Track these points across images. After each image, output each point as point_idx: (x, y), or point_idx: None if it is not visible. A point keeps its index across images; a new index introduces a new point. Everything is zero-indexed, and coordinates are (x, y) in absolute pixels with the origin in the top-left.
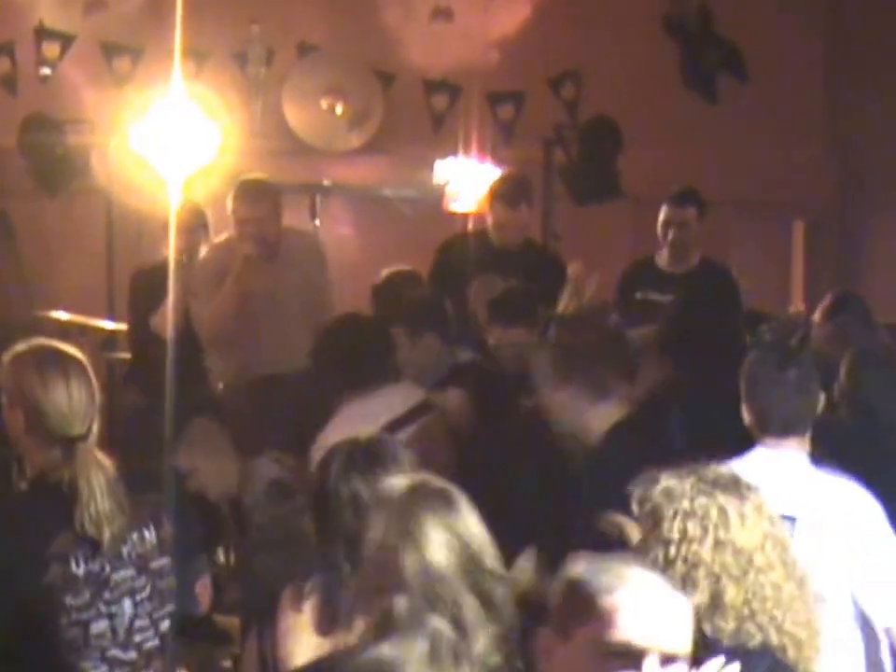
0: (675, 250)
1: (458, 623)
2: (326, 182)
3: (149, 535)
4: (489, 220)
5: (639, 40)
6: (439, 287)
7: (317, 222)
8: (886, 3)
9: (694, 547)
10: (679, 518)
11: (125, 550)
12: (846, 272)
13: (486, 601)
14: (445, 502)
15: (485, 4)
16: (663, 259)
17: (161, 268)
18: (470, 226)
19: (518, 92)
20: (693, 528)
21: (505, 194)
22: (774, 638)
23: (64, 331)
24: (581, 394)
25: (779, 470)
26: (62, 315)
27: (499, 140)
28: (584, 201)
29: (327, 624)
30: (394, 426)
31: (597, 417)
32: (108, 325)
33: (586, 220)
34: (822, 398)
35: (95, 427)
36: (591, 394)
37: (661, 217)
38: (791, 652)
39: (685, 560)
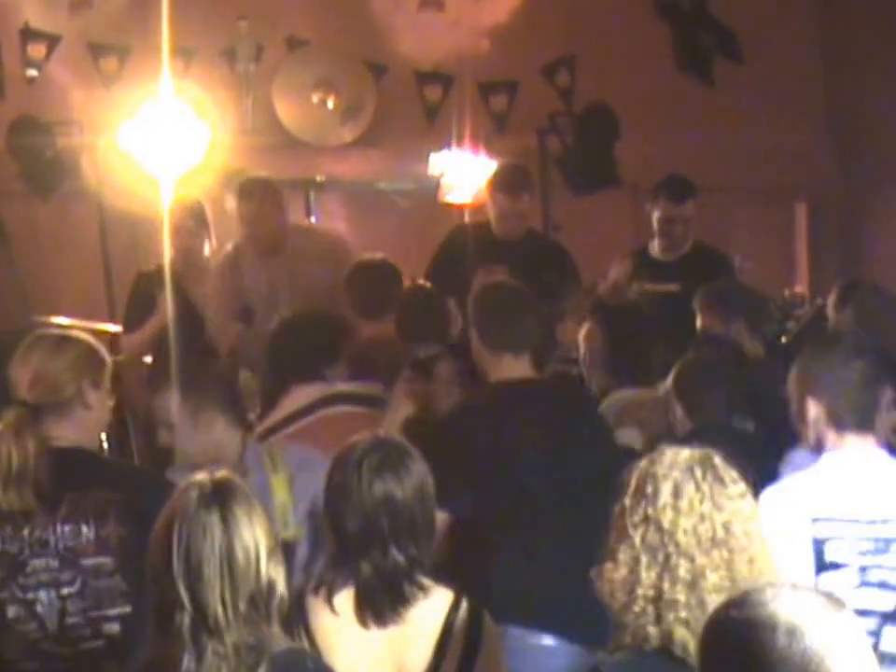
0: (672, 242)
1: None
2: (319, 177)
3: (87, 530)
4: (490, 212)
5: (633, 25)
6: (441, 281)
7: (313, 218)
8: None
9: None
10: (638, 480)
11: (52, 539)
12: (849, 252)
13: None
14: None
15: None
16: (655, 248)
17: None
18: (466, 217)
19: (511, 81)
20: (631, 502)
21: (506, 184)
22: (673, 628)
23: None
24: None
25: (868, 470)
26: (61, 319)
27: (493, 130)
28: (582, 190)
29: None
30: (292, 417)
31: None
32: (110, 328)
33: (584, 209)
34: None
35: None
36: None
37: (657, 212)
38: (689, 644)
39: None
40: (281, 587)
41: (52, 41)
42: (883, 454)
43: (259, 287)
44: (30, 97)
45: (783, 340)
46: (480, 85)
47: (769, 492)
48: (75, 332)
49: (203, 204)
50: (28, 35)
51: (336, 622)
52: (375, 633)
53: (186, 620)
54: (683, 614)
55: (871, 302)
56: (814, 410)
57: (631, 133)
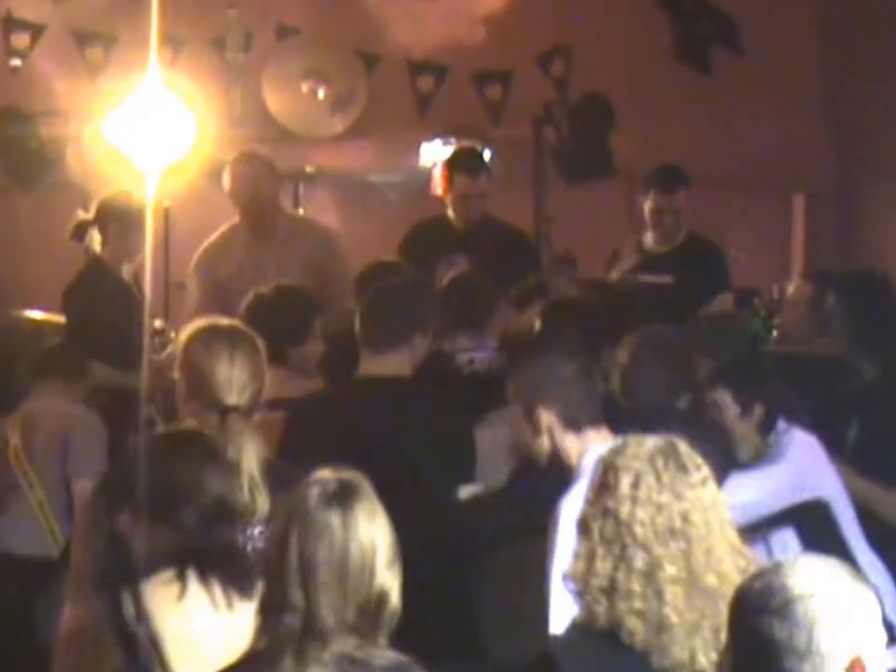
0: (664, 233)
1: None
2: (309, 169)
3: None
4: (449, 196)
5: (630, 13)
6: None
7: (301, 210)
8: None
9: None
10: (601, 472)
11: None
12: (847, 244)
13: None
14: None
15: None
16: (648, 240)
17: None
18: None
19: (506, 71)
20: (593, 495)
21: (464, 165)
22: (624, 617)
23: (40, 330)
24: None
25: None
26: (37, 313)
27: (488, 120)
28: (577, 180)
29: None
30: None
31: None
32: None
33: (579, 200)
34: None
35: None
36: None
37: (648, 203)
38: (641, 635)
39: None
40: (395, 599)
41: (36, 31)
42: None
43: (245, 272)
44: (14, 88)
45: (774, 334)
46: (474, 75)
47: None
48: (242, 327)
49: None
50: (11, 24)
51: (182, 606)
52: (223, 614)
53: (294, 622)
54: (637, 605)
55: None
56: (546, 417)
57: (627, 122)
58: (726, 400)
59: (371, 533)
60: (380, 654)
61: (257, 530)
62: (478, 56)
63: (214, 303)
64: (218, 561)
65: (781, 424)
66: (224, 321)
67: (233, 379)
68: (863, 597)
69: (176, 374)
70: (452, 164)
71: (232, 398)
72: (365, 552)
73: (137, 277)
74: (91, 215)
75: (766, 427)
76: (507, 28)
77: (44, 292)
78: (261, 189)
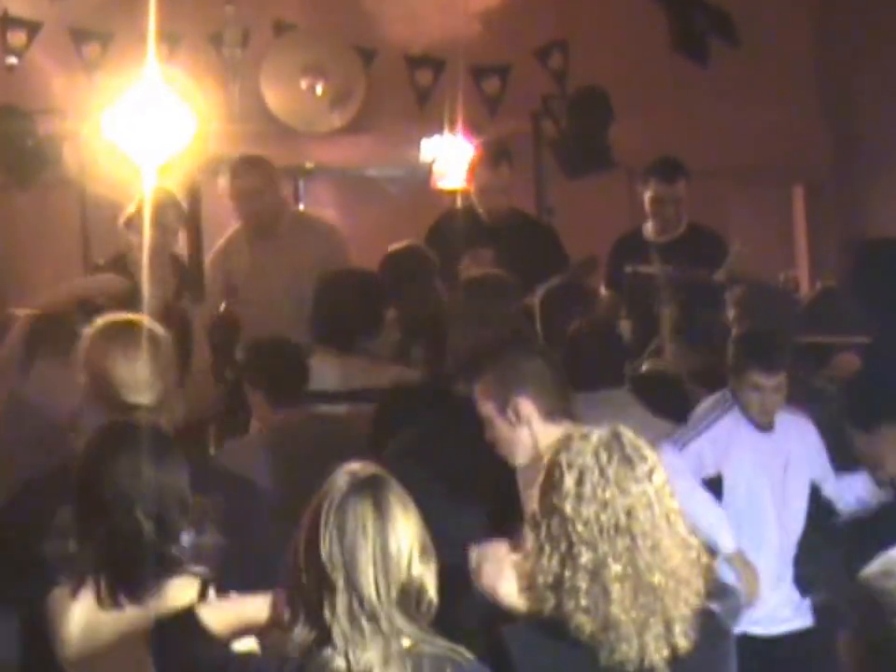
0: (665, 223)
1: None
2: (308, 164)
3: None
4: (472, 189)
5: (626, 6)
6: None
7: (301, 206)
8: None
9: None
10: (548, 469)
11: None
12: (848, 234)
13: None
14: None
15: None
16: (649, 230)
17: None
18: (459, 203)
19: (504, 65)
20: (539, 492)
21: (484, 158)
22: (571, 615)
23: None
24: None
25: None
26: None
27: (486, 114)
28: (576, 173)
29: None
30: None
31: None
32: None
33: (579, 193)
34: None
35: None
36: None
37: (648, 193)
38: (588, 632)
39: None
40: (431, 591)
41: (33, 28)
42: None
43: (253, 273)
44: (10, 85)
45: None
46: (472, 69)
47: None
48: (145, 321)
49: (173, 196)
50: (7, 22)
51: (80, 606)
52: (117, 614)
53: (340, 601)
54: (584, 602)
55: None
56: (526, 407)
57: (625, 115)
58: None
59: (407, 521)
60: (429, 639)
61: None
62: (476, 50)
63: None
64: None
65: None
66: (123, 317)
67: (133, 377)
68: None
69: (81, 377)
70: (474, 157)
71: (134, 396)
72: (400, 538)
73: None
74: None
75: None
76: (505, 22)
77: (42, 289)
78: (260, 200)
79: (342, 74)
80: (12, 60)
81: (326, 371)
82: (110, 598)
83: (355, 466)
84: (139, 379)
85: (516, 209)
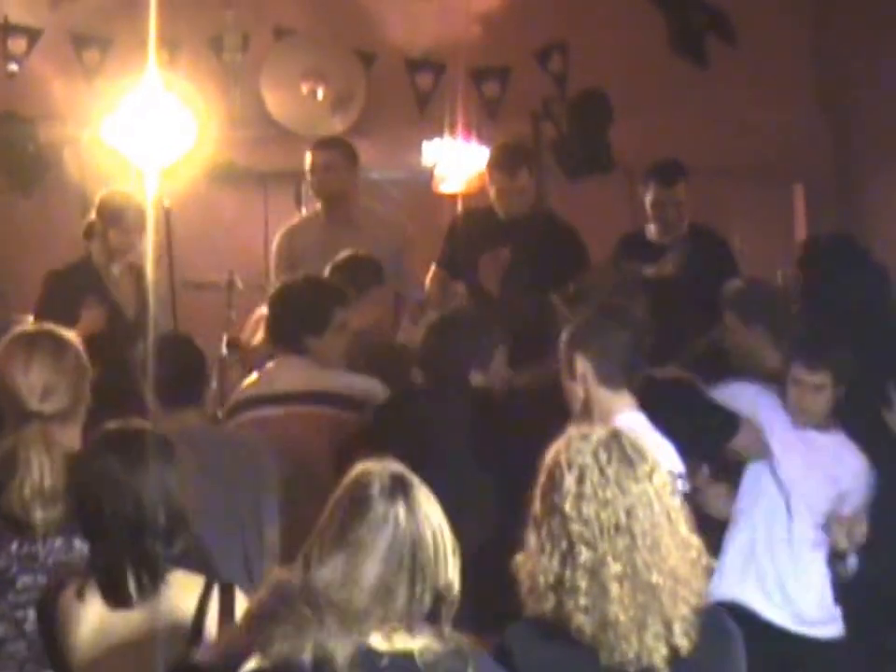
0: (666, 226)
1: None
2: None
3: (80, 544)
4: (491, 192)
5: (625, 7)
6: (451, 269)
7: (304, 210)
8: None
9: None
10: (548, 468)
11: (41, 553)
12: (848, 232)
13: None
14: None
15: None
16: (651, 231)
17: (77, 269)
18: (460, 207)
19: (504, 68)
20: (540, 491)
21: (502, 162)
22: (571, 615)
23: None
24: None
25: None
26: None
27: (486, 117)
28: (577, 175)
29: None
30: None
31: None
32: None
33: (580, 195)
34: None
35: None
36: None
37: (649, 196)
38: (588, 632)
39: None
40: (457, 587)
41: (33, 35)
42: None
43: (322, 253)
44: (11, 92)
45: None
46: (472, 71)
47: None
48: (52, 329)
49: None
50: (8, 29)
51: (82, 607)
52: (120, 615)
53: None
54: (583, 601)
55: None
56: (581, 365)
57: (625, 117)
58: None
59: (438, 518)
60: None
61: (57, 542)
62: (476, 53)
63: None
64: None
65: None
66: (32, 326)
67: (31, 384)
68: None
69: None
70: (490, 161)
71: (33, 404)
72: (436, 536)
73: (139, 277)
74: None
75: None
76: (504, 25)
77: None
78: (339, 177)
79: (342, 78)
80: (13, 66)
81: (280, 374)
82: (118, 598)
83: (375, 465)
84: (39, 386)
85: (539, 207)
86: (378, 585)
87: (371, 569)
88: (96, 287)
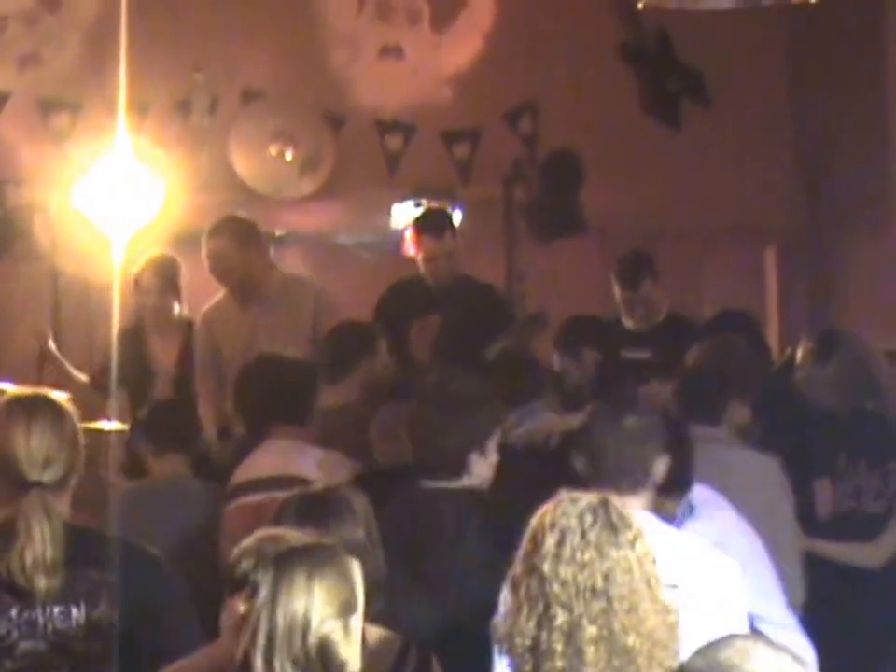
0: (638, 320)
1: None
2: (279, 232)
3: (77, 613)
4: (418, 257)
5: (597, 69)
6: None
7: None
8: (847, 23)
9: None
10: (533, 528)
11: (41, 620)
12: (820, 296)
13: None
14: None
15: (436, 39)
16: (628, 320)
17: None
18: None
19: (474, 129)
20: (523, 552)
21: (428, 225)
22: None
23: None
24: None
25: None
26: (8, 385)
27: (457, 179)
28: (548, 237)
29: None
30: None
31: None
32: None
33: (551, 257)
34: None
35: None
36: None
37: (617, 295)
38: None
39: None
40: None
41: (1, 99)
42: (651, 517)
43: (236, 339)
44: None
45: None
46: (442, 133)
47: None
48: (49, 395)
49: (176, 263)
50: None
51: None
52: None
53: None
54: (559, 664)
55: (857, 352)
56: (578, 464)
57: (597, 178)
58: None
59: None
60: None
61: (56, 609)
62: (446, 114)
63: (212, 369)
64: None
65: None
66: (28, 390)
67: (31, 452)
68: None
69: None
70: (418, 226)
71: (34, 473)
72: (296, 612)
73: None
74: None
75: None
76: (474, 86)
77: (10, 363)
78: (231, 263)
79: (311, 140)
80: None
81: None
82: None
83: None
84: (40, 456)
85: (461, 274)
86: None
87: None
88: None
